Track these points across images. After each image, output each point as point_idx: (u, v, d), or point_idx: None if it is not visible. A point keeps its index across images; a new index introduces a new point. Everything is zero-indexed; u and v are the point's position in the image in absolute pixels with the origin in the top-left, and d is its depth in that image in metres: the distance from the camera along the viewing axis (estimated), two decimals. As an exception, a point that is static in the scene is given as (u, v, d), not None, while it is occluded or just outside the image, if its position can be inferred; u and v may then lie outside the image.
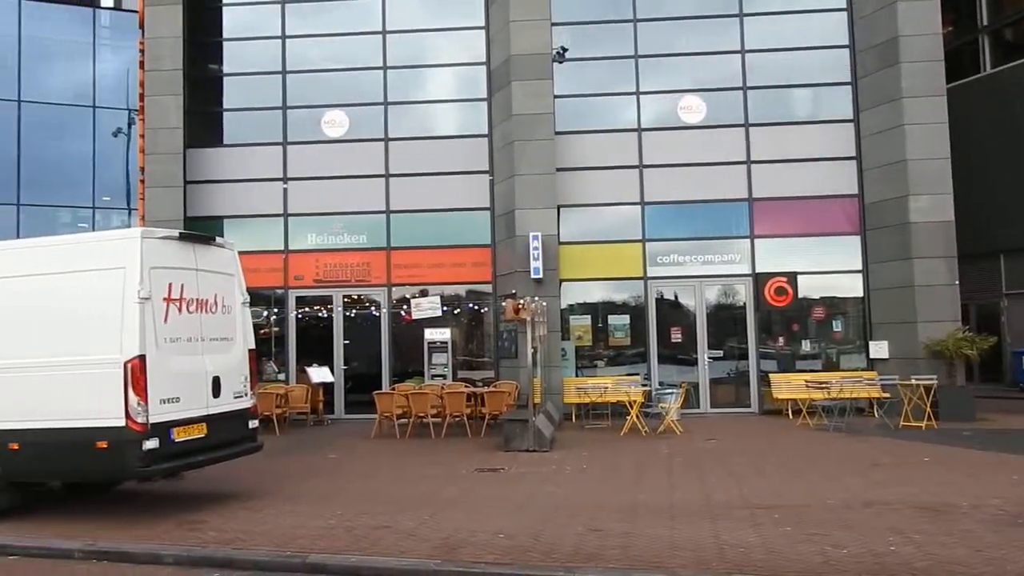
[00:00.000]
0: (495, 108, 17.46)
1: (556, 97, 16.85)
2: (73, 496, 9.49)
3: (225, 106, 18.72)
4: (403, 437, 14.38)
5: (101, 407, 7.86)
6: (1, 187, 18.84)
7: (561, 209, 16.88)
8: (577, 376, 16.87)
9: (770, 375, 16.50)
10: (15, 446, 8.15)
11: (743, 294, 17.00)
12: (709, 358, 16.78)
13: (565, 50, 16.83)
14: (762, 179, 16.96)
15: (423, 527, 7.64)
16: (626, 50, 17.38)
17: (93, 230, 19.99)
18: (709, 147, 17.03)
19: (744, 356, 16.89)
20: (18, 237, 16.56)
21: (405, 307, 17.66)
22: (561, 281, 16.68)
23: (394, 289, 17.60)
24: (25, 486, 8.74)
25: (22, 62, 19.46)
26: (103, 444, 7.87)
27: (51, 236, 9.40)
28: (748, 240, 16.93)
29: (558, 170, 16.62)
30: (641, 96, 17.38)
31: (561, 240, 16.72)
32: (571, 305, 17.27)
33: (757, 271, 16.83)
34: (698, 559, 6.37)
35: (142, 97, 17.49)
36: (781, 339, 17.13)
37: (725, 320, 17.09)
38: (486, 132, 17.70)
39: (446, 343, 17.31)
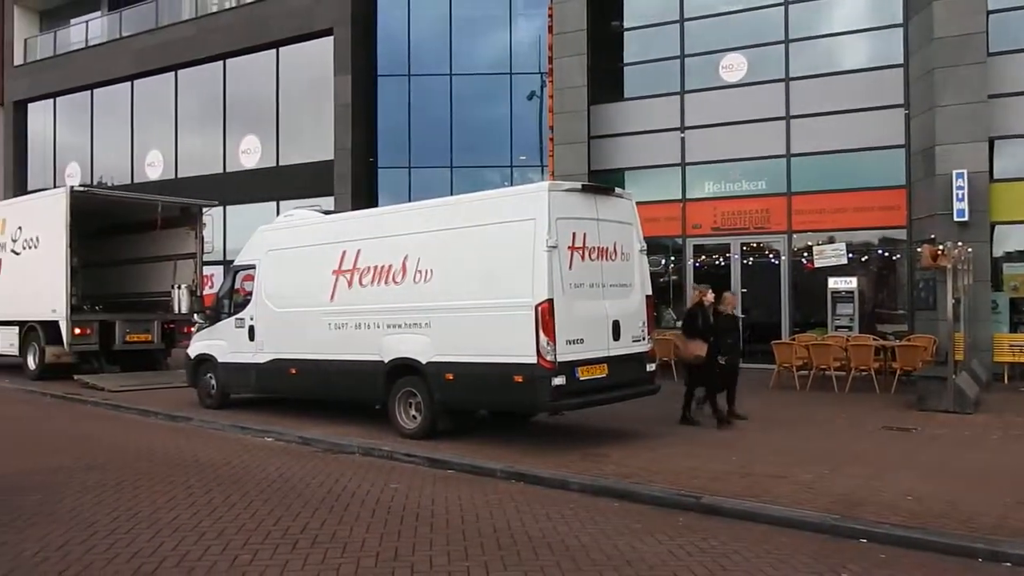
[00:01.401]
0: (912, 33, 15.70)
1: (990, 13, 14.62)
2: (497, 426, 10.70)
3: (625, 60, 19.32)
4: (802, 389, 13.87)
5: (517, 345, 8.73)
6: (437, 152, 21.62)
7: (995, 142, 14.72)
8: (1012, 332, 14.75)
9: None
10: (450, 377, 9.43)
11: None
12: None
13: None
14: None
15: (821, 481, 7.35)
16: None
17: (511, 186, 22.13)
18: None
19: None
20: (451, 195, 18.93)
21: (807, 255, 16.88)
22: (993, 224, 14.63)
23: (795, 236, 16.89)
24: (459, 413, 10.07)
25: (453, 39, 21.94)
26: (519, 378, 8.76)
27: (473, 192, 10.54)
28: None
29: (990, 97, 14.48)
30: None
31: (994, 177, 14.62)
32: (1007, 252, 15.08)
33: None
34: None
35: (551, 60, 18.76)
36: None
37: None
38: (900, 61, 16.02)
39: (851, 293, 16.22)
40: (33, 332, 16.83)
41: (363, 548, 5.73)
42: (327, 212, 13.30)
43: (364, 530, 6.18)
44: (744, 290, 17.22)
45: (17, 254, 17.33)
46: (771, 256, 17.27)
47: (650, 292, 10.12)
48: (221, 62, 24.17)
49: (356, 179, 21.29)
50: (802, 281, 16.89)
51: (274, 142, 23.10)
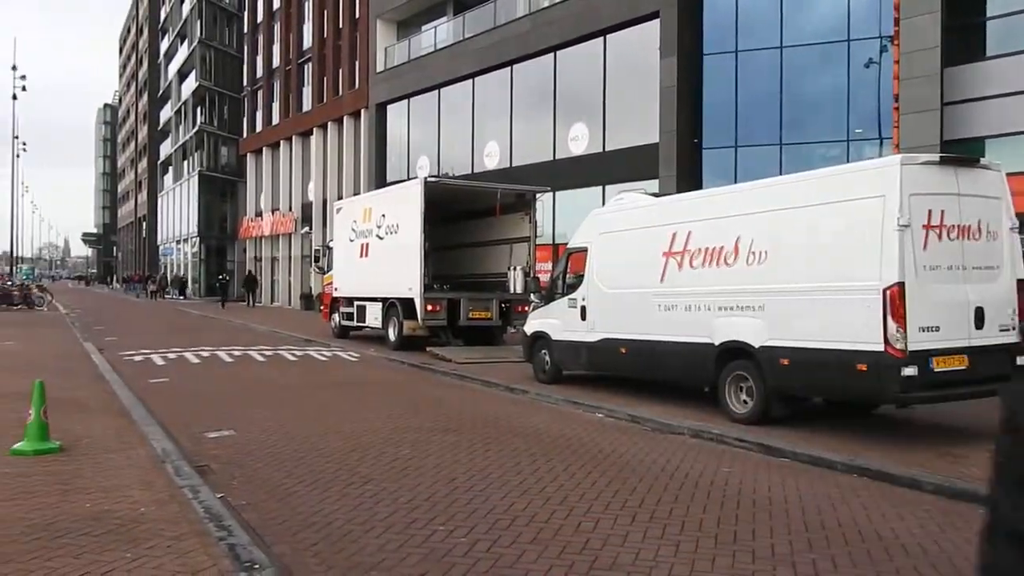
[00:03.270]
0: None
1: None
2: (835, 415, 10.12)
3: (988, 14, 17.11)
4: None
5: (862, 331, 8.17)
6: (765, 130, 20.80)
7: None
8: None
9: None
10: (785, 362, 9.08)
11: None
12: None
13: None
14: None
15: None
16: None
17: (846, 163, 20.66)
18: None
19: None
20: (780, 174, 18.14)
21: None
22: None
23: None
24: (792, 400, 9.67)
25: (784, 10, 20.92)
26: (863, 367, 8.19)
27: (808, 171, 10.02)
28: None
29: None
30: None
31: None
32: None
33: None
34: None
35: (897, 22, 17.17)
36: None
37: None
38: None
39: None
40: (393, 308, 19.00)
41: (701, 528, 5.75)
42: (656, 195, 13.42)
43: (700, 510, 6.19)
44: None
45: (381, 239, 19.65)
46: None
47: (1023, 275, 8.93)
48: (552, 54, 25.31)
49: (681, 161, 21.20)
50: None
51: (600, 128, 23.74)
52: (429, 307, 17.75)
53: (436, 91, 31.18)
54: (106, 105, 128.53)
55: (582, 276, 12.65)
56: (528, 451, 8.28)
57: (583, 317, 12.44)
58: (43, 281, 64.64)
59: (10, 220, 72.01)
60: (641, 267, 11.27)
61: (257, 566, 4.73)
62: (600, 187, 23.13)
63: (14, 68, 57.39)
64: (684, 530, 5.69)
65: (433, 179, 18.88)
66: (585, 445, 8.69)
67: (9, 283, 44.04)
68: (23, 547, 4.88)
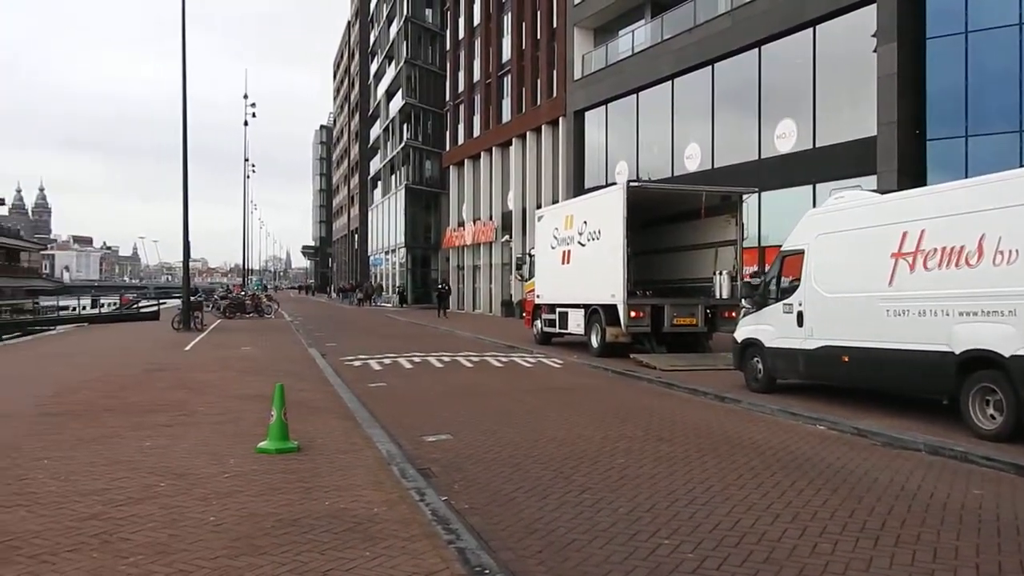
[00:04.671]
0: None
1: None
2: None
3: None
4: None
5: None
6: (1002, 116, 18.82)
7: None
8: None
9: None
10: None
11: None
12: None
13: None
14: None
15: None
16: None
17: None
18: None
19: None
20: (1021, 165, 16.40)
21: None
22: None
23: None
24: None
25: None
26: None
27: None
28: None
29: None
30: None
31: None
32: None
33: None
34: None
35: None
36: None
37: None
38: None
39: None
40: (596, 314, 18.95)
41: (957, 557, 5.20)
42: (878, 192, 12.50)
43: (953, 536, 5.62)
44: None
45: (583, 245, 19.68)
46: None
47: None
48: (756, 50, 24.32)
49: (903, 155, 19.65)
50: None
51: (810, 124, 22.49)
52: (632, 313, 17.56)
53: (634, 95, 30.92)
54: (322, 126, 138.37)
55: (798, 280, 12.01)
56: (748, 464, 7.91)
57: (799, 323, 11.79)
58: (270, 291, 70.57)
59: (243, 236, 79.11)
60: (866, 269, 10.52)
61: (487, 571, 4.78)
62: (810, 186, 21.95)
63: (245, 97, 63.16)
64: (937, 558, 5.17)
65: (635, 183, 18.64)
66: (809, 459, 8.18)
67: (243, 293, 48.31)
68: (274, 540, 5.22)
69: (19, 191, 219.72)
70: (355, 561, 4.84)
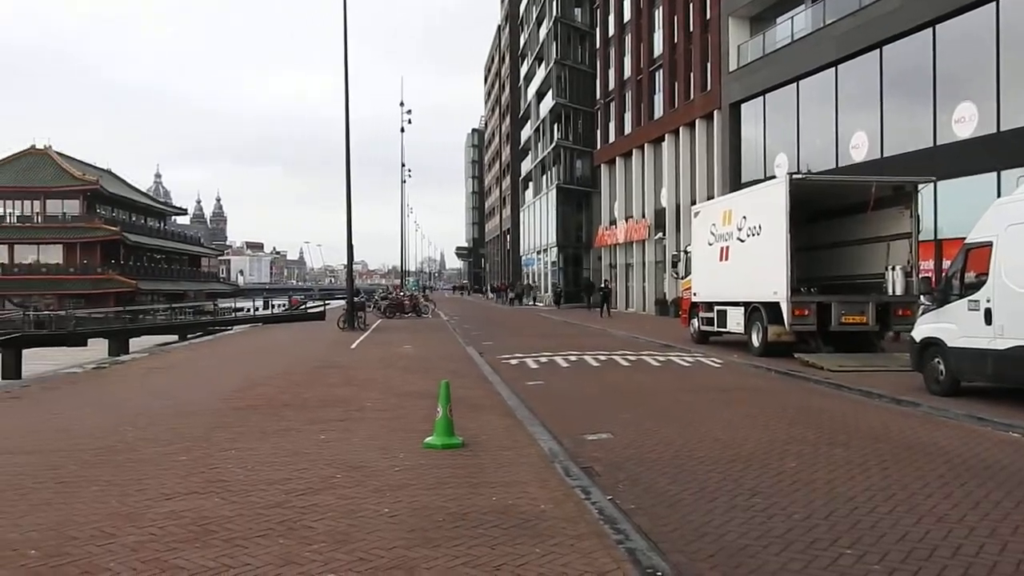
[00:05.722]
0: None
1: None
2: None
3: None
4: None
5: None
6: None
7: None
8: None
9: None
10: None
11: None
12: None
13: None
14: None
15: None
16: None
17: None
18: None
19: None
20: None
21: None
22: None
23: None
24: None
25: None
26: None
27: None
28: None
29: None
30: None
31: None
32: None
33: None
34: None
35: None
36: None
37: None
38: None
39: None
40: (757, 312, 18.31)
41: None
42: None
43: None
44: None
45: (743, 241, 19.07)
46: None
47: None
48: (929, 29, 22.73)
49: (1102, 136, 17.86)
50: None
51: (993, 106, 20.73)
52: (796, 311, 16.83)
53: (793, 84, 29.66)
54: (473, 130, 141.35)
55: (985, 274, 11.11)
56: (935, 472, 7.37)
57: (987, 321, 10.91)
58: (426, 291, 72.95)
59: (400, 239, 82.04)
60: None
61: (659, 574, 4.68)
62: (993, 173, 20.30)
63: (401, 104, 65.66)
64: None
65: (798, 176, 17.83)
66: (1006, 469, 7.54)
67: (402, 294, 50.10)
68: (446, 533, 5.34)
69: (199, 202, 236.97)
70: (525, 557, 4.87)
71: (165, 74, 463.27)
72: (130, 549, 5.06)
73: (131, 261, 68.84)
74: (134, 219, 75.52)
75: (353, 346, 22.44)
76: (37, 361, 26.92)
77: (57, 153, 69.01)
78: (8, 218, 66.19)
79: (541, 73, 66.36)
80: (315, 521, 5.62)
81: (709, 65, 36.08)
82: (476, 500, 6.17)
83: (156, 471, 7.22)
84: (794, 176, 17.51)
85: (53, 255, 65.02)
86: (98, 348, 32.90)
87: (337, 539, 5.22)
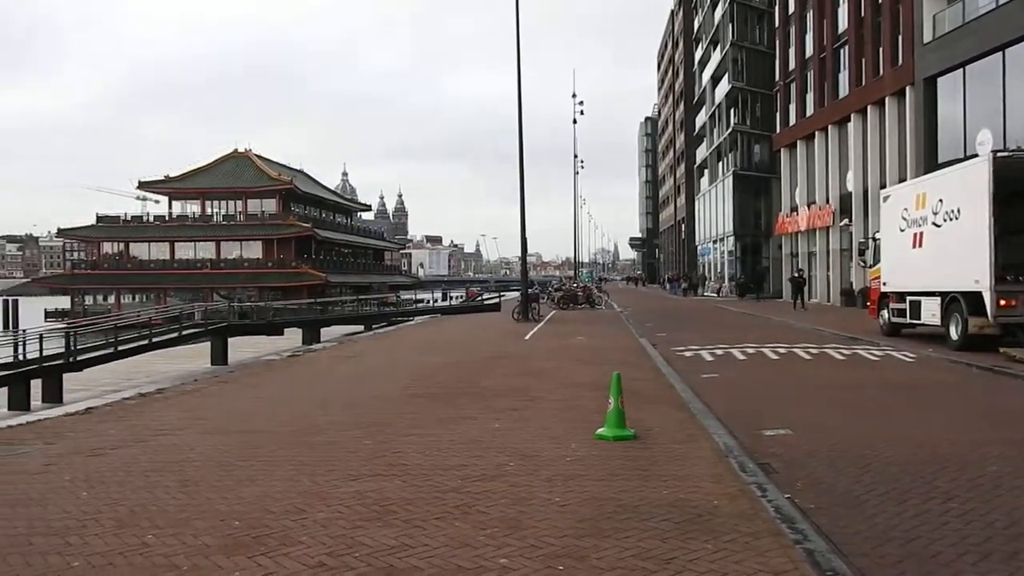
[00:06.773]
0: None
1: None
2: None
3: None
4: None
5: None
6: None
7: None
8: None
9: None
10: None
11: None
12: None
13: None
14: None
15: None
16: None
17: None
18: None
19: None
20: None
21: None
22: None
23: None
24: None
25: None
26: None
27: None
28: None
29: None
30: None
31: None
32: None
33: None
34: None
35: None
36: None
37: None
38: None
39: None
40: (955, 303, 16.98)
41: None
42: None
43: None
44: None
45: (938, 226, 17.72)
46: None
47: None
48: None
49: None
50: None
51: None
52: (1002, 302, 15.46)
53: (999, 53, 27.11)
54: (647, 119, 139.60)
55: None
56: None
57: None
58: (600, 283, 72.93)
59: (573, 231, 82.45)
60: None
61: (840, 578, 4.47)
62: None
63: (574, 96, 65.85)
64: None
65: (1004, 154, 16.32)
66: None
67: (575, 285, 50.36)
68: (616, 525, 5.34)
69: (382, 198, 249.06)
70: (697, 553, 4.79)
71: (379, 81, 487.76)
72: (320, 525, 5.43)
73: (321, 255, 73.30)
74: (324, 216, 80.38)
75: (527, 337, 22.83)
76: (240, 349, 29.30)
77: (257, 156, 74.61)
78: (216, 217, 72.33)
79: (716, 56, 64.45)
80: (489, 507, 5.79)
81: (900, 38, 33.68)
82: (647, 493, 6.13)
83: (343, 453, 7.69)
84: (999, 154, 16.04)
85: (253, 250, 70.37)
86: (293, 337, 35.35)
87: (510, 525, 5.35)
